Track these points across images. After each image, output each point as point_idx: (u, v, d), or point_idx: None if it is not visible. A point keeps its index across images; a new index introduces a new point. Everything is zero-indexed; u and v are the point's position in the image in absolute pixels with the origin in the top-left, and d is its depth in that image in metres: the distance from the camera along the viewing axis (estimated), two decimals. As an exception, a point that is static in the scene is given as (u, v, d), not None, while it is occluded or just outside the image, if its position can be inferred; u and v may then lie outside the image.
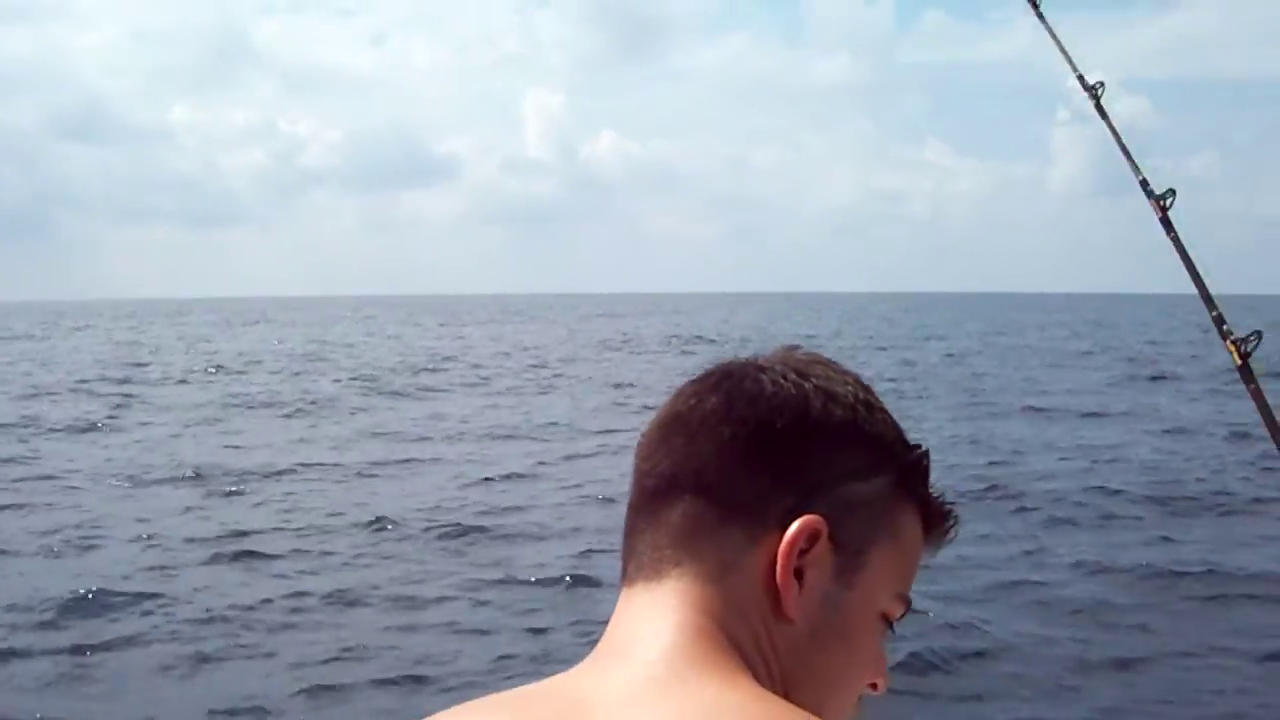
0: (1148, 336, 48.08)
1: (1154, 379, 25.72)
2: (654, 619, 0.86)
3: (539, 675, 0.90)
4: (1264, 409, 2.14)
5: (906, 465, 0.89)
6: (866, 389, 0.91)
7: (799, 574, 0.85)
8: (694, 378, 0.93)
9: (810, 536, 0.85)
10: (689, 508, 0.88)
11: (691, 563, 0.87)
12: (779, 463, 0.87)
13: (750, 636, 0.85)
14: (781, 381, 0.88)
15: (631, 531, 0.91)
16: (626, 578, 0.90)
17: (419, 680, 6.75)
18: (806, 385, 0.88)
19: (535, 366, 31.47)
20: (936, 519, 0.90)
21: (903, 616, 0.90)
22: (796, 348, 0.94)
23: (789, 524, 0.85)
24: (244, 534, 10.17)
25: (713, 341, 41.81)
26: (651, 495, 0.90)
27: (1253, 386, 2.20)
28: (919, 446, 0.91)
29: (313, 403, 21.54)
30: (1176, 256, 2.53)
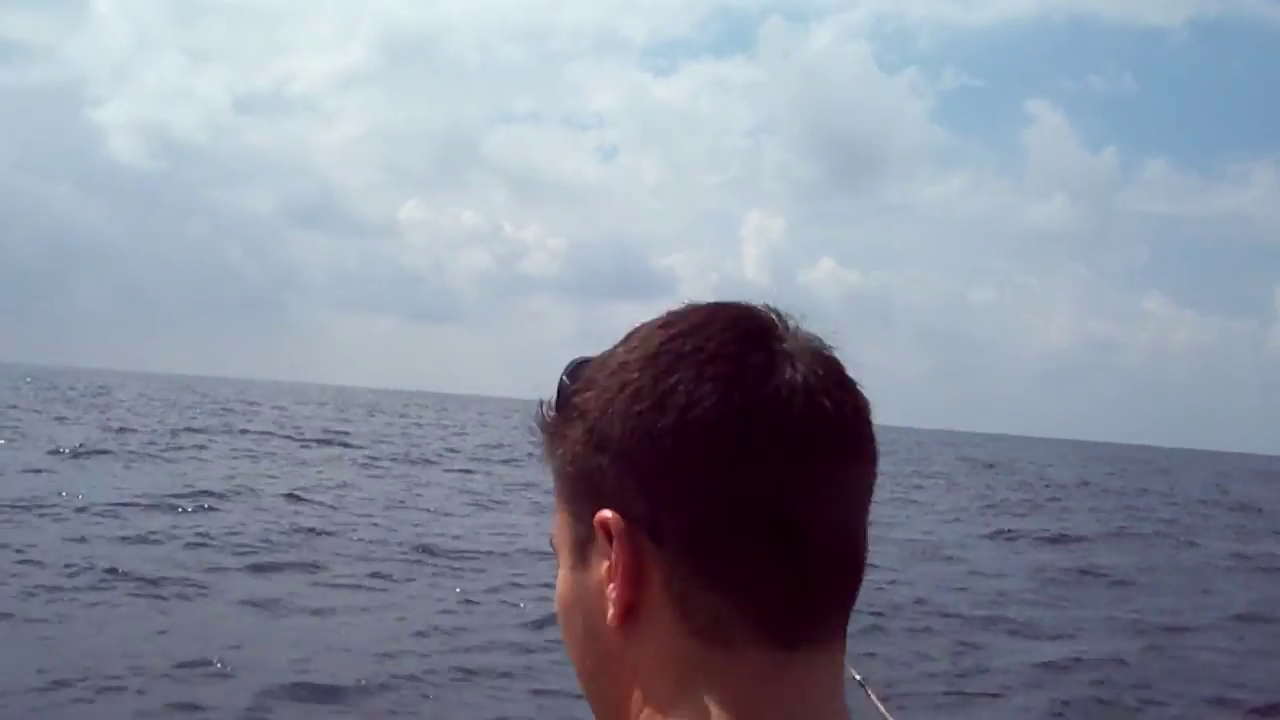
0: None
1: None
2: (832, 697, 0.75)
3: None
4: None
5: None
6: None
7: None
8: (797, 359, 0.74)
9: None
10: (863, 551, 0.76)
11: (844, 620, 0.77)
12: None
13: None
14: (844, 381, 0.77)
15: (814, 578, 0.73)
16: (789, 636, 0.73)
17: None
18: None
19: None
20: None
21: None
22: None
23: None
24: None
25: None
26: (846, 538, 0.75)
27: None
28: None
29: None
30: None
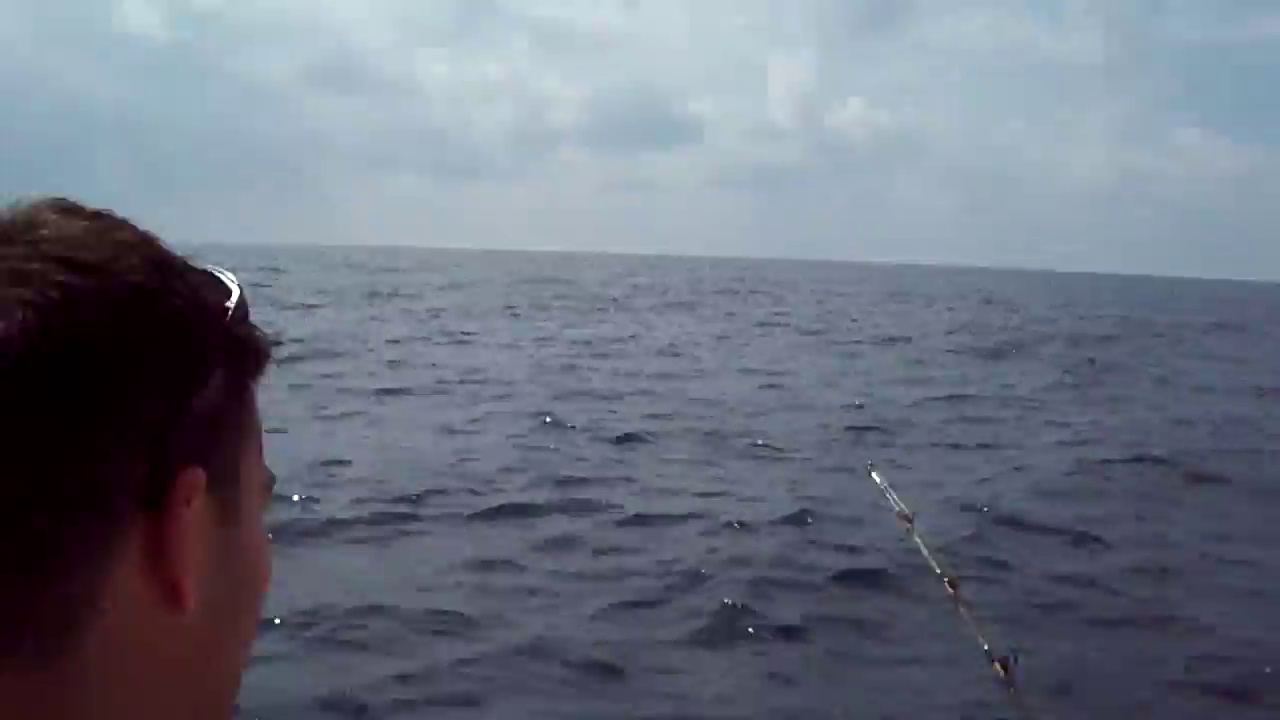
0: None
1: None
2: None
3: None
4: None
5: (234, 337, 0.56)
6: (149, 242, 0.54)
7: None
8: None
9: (189, 500, 0.53)
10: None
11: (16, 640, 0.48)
12: (107, 421, 0.49)
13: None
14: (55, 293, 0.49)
15: None
16: None
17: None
18: (90, 281, 0.50)
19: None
20: (264, 362, 0.58)
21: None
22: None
23: (156, 500, 0.51)
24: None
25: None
26: None
27: None
28: (228, 293, 0.56)
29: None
30: None
